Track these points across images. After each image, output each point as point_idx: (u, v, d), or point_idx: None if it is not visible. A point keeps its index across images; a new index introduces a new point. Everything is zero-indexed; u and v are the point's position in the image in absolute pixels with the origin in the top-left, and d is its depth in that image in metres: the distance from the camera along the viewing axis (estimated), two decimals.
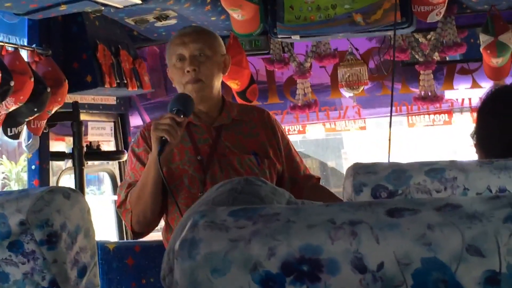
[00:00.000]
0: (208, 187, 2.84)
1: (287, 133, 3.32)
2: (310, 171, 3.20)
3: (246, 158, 2.96)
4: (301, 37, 4.33)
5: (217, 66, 3.00)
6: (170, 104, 2.81)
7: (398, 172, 1.74)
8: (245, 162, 2.95)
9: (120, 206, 2.95)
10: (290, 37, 4.35)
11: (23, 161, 11.37)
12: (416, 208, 0.93)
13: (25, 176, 11.04)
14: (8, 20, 3.74)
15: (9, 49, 3.53)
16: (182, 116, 2.75)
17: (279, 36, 4.32)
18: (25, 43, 3.83)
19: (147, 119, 5.43)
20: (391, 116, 3.92)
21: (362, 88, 5.10)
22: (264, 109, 3.24)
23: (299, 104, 5.07)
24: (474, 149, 2.20)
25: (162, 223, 3.08)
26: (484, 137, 2.16)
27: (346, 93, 5.29)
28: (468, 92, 5.26)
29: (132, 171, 2.99)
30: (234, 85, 4.68)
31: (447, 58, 5.10)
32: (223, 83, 4.63)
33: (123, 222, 3.77)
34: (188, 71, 2.92)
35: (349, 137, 11.14)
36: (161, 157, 2.71)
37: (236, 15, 4.10)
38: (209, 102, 3.01)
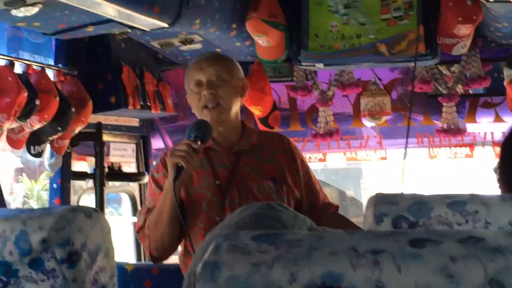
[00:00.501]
0: (226, 212, 2.85)
1: (307, 160, 3.29)
2: (329, 199, 3.19)
3: (265, 183, 2.96)
4: (325, 65, 4.34)
5: (234, 89, 3.01)
6: (187, 130, 2.82)
7: (420, 204, 1.74)
8: (263, 188, 2.94)
9: (139, 231, 2.98)
10: (314, 65, 4.36)
11: (43, 179, 11.43)
12: (439, 240, 0.93)
13: (45, 194, 11.10)
14: (34, 40, 3.78)
15: (36, 68, 3.57)
16: (199, 143, 2.75)
17: (303, 64, 4.33)
18: (51, 63, 3.87)
19: (169, 142, 5.45)
20: (406, 146, 3.90)
21: (384, 118, 5.10)
22: (284, 135, 3.24)
23: (321, 132, 5.06)
24: (497, 184, 2.18)
25: (179, 247, 3.08)
26: (507, 171, 2.15)
27: (368, 123, 5.28)
28: (491, 126, 5.24)
29: (151, 196, 3.01)
30: (257, 111, 4.70)
31: (471, 91, 5.09)
32: (245, 109, 4.67)
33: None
34: (205, 95, 2.94)
35: (369, 166, 11.11)
36: (179, 182, 2.72)
37: (261, 41, 4.12)
38: (228, 125, 3.01)
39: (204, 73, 2.96)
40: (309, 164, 3.25)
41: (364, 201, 10.51)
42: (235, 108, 3.03)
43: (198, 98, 2.97)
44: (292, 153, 3.09)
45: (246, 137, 3.05)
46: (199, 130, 2.79)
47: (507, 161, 2.16)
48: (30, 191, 11.90)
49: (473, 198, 1.72)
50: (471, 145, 5.41)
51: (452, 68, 4.84)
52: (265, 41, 4.11)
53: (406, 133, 3.94)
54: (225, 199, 2.91)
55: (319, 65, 4.33)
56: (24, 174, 12.06)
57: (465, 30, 3.96)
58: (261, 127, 4.71)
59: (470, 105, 5.19)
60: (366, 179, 12.13)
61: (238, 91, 3.04)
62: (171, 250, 2.99)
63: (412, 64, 4.20)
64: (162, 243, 2.89)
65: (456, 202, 1.72)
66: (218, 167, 2.97)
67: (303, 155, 3.19)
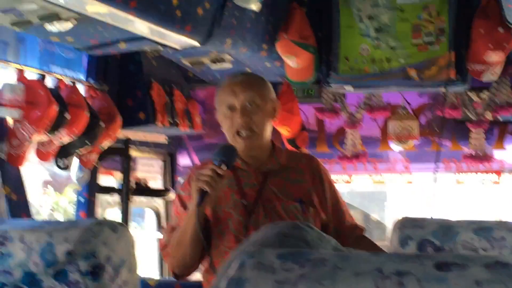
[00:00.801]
0: (251, 231, 2.84)
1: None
2: (355, 221, 3.17)
3: (291, 205, 2.93)
4: (354, 88, 4.33)
5: (268, 114, 2.99)
6: (213, 155, 2.81)
7: (446, 229, 1.73)
8: (289, 209, 2.93)
9: (163, 249, 3.00)
10: (344, 87, 4.35)
11: (68, 193, 11.51)
12: (465, 264, 0.93)
13: (70, 207, 11.18)
14: (65, 55, 3.82)
15: (67, 83, 3.60)
16: (224, 167, 2.75)
17: (332, 86, 4.32)
18: (81, 78, 3.91)
19: (196, 159, 5.46)
20: (435, 171, 3.88)
21: (411, 142, 5.08)
22: (313, 156, 3.21)
23: (348, 155, 5.06)
24: None
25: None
26: None
27: (395, 147, 5.27)
28: None
29: (176, 214, 3.01)
30: (285, 132, 4.70)
31: (500, 118, 5.06)
32: (273, 129, 4.68)
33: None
34: (239, 122, 2.91)
35: (393, 190, 11.05)
36: (203, 206, 2.73)
37: (291, 62, 4.13)
38: (260, 149, 3.00)
39: (238, 98, 2.93)
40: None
41: (388, 224, 10.47)
42: (268, 131, 3.02)
43: (230, 123, 2.94)
44: (320, 175, 3.06)
45: (275, 157, 3.03)
46: (225, 155, 2.78)
47: None
48: (56, 204, 11.99)
49: (500, 224, 1.71)
50: (499, 172, 5.37)
51: (482, 95, 4.82)
52: (294, 62, 4.12)
53: (434, 158, 3.91)
54: (250, 219, 2.89)
55: (349, 88, 4.33)
56: (49, 187, 12.14)
57: (496, 57, 3.95)
58: (289, 147, 4.71)
59: (499, 131, 5.16)
60: (390, 202, 12.06)
61: (271, 114, 3.02)
62: (193, 268, 2.98)
63: (441, 89, 4.19)
64: (184, 262, 2.90)
65: (482, 228, 1.71)
66: (245, 186, 2.95)
67: (331, 177, 3.17)
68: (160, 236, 3.07)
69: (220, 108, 3.00)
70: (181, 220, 2.93)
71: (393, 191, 11.38)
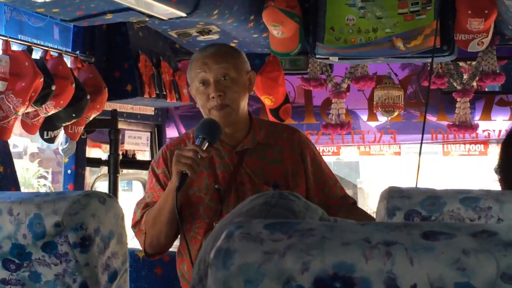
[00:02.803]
0: (223, 217, 2.76)
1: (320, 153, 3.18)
2: (345, 192, 3.04)
3: (264, 189, 2.77)
4: (339, 59, 4.32)
5: (243, 87, 2.87)
6: (195, 130, 2.72)
7: (433, 199, 1.74)
8: None
9: (134, 226, 2.87)
10: (328, 58, 4.34)
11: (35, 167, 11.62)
12: (452, 233, 0.94)
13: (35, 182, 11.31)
14: (34, 24, 3.77)
15: (53, 54, 3.58)
16: (207, 145, 2.64)
17: (318, 56, 4.31)
18: (56, 47, 3.83)
19: (183, 131, 5.46)
20: (421, 143, 3.87)
21: (397, 112, 5.08)
22: (296, 129, 3.08)
23: (332, 123, 5.04)
24: (499, 184, 2.13)
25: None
26: (509, 170, 2.11)
27: (382, 117, 5.28)
28: (506, 124, 5.23)
29: (151, 190, 2.90)
30: (268, 101, 4.69)
31: (486, 89, 5.07)
32: (260, 100, 4.68)
33: None
34: (213, 97, 2.80)
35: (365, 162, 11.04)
36: (183, 189, 2.64)
37: (276, 32, 4.12)
38: (236, 125, 2.88)
39: (211, 71, 2.81)
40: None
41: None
42: (244, 105, 2.90)
43: (205, 98, 2.83)
44: (302, 150, 2.94)
45: (252, 134, 2.90)
46: (208, 132, 2.68)
47: (508, 160, 2.12)
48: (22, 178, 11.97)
49: (487, 194, 1.72)
50: (486, 142, 5.39)
51: (469, 62, 4.81)
52: (280, 31, 4.10)
53: (421, 129, 3.91)
54: (223, 205, 2.80)
55: (334, 58, 4.31)
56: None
57: (478, 25, 3.93)
58: (271, 118, 4.69)
59: (485, 102, 5.18)
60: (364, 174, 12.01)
61: (246, 86, 2.90)
62: (166, 248, 2.89)
63: (428, 60, 4.19)
64: (158, 241, 2.82)
65: (469, 198, 1.72)
66: (219, 168, 2.84)
67: (316, 150, 3.04)
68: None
69: (192, 83, 2.89)
70: (155, 197, 2.85)
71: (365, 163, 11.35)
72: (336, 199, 2.98)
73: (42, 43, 3.71)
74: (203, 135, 2.66)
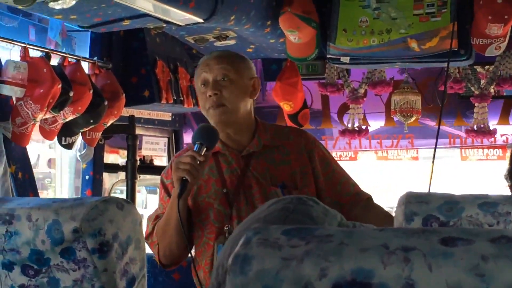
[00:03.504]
0: (233, 221, 2.76)
1: (338, 158, 3.18)
2: (359, 189, 3.00)
3: (272, 190, 2.80)
4: (351, 59, 4.28)
5: (242, 89, 2.86)
6: (192, 136, 2.72)
7: (451, 204, 1.73)
8: (270, 195, 2.75)
9: (147, 238, 2.87)
10: (339, 59, 4.30)
11: None
12: (470, 238, 0.93)
13: None
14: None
15: (71, 60, 3.60)
16: (205, 150, 2.65)
17: (328, 56, 4.28)
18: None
19: None
20: (435, 148, 3.85)
21: (415, 117, 5.07)
22: (303, 131, 3.09)
23: (349, 129, 5.04)
24: (510, 191, 2.11)
25: None
26: None
27: (399, 122, 5.26)
28: None
29: (161, 202, 2.93)
30: (287, 107, 4.69)
31: (504, 93, 5.05)
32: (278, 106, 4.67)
33: None
34: (210, 96, 2.81)
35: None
36: (184, 195, 2.65)
37: (293, 37, 4.11)
38: (236, 126, 2.87)
39: (211, 72, 2.83)
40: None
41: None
42: (243, 108, 2.88)
43: (204, 98, 2.84)
44: (310, 150, 2.92)
45: (257, 137, 2.89)
46: (204, 137, 2.69)
47: None
48: None
49: (505, 199, 1.71)
50: (504, 147, 5.36)
51: (487, 67, 4.79)
52: (296, 37, 4.09)
53: (440, 134, 3.89)
54: (232, 208, 2.80)
55: (345, 59, 4.27)
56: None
57: (497, 30, 3.91)
58: (290, 123, 4.69)
59: (503, 106, 5.15)
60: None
61: (247, 91, 2.88)
62: (181, 258, 2.90)
63: (444, 64, 4.17)
64: (170, 251, 2.83)
65: (487, 203, 1.71)
66: (226, 173, 2.85)
67: (325, 150, 3.03)
68: None
69: (196, 85, 2.93)
70: (165, 208, 2.86)
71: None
72: (350, 197, 2.94)
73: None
74: (200, 140, 2.67)
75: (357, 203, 2.93)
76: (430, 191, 1.99)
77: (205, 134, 2.72)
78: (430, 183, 3.73)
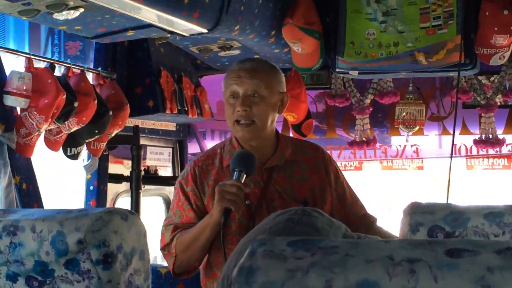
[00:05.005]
0: None
1: (343, 169, 3.20)
2: (366, 211, 3.05)
3: (294, 206, 2.80)
4: (359, 73, 4.30)
5: (272, 107, 2.87)
6: (231, 163, 2.73)
7: (456, 214, 1.73)
8: None
9: (164, 248, 2.89)
10: (348, 72, 4.32)
11: None
12: (476, 250, 0.93)
13: None
14: None
15: (76, 71, 3.60)
16: (244, 177, 2.66)
17: (337, 70, 4.30)
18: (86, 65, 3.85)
19: (205, 147, 5.47)
20: (451, 157, 3.86)
21: (417, 127, 5.06)
22: (319, 146, 3.11)
23: (357, 140, 5.04)
24: None
25: None
26: None
27: (403, 132, 5.26)
28: None
29: (179, 209, 2.90)
30: (291, 118, 4.70)
31: (510, 102, 5.04)
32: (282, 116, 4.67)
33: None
34: (238, 111, 2.82)
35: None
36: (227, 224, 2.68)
37: (296, 48, 4.12)
38: (260, 140, 2.89)
39: (242, 85, 2.83)
40: (344, 172, 3.18)
41: None
42: (271, 124, 2.91)
43: (232, 111, 2.85)
44: (327, 166, 2.97)
45: (280, 151, 2.92)
46: (243, 164, 2.70)
47: None
48: None
49: (511, 209, 1.71)
50: (509, 156, 5.35)
51: (492, 78, 4.80)
52: (299, 48, 4.10)
53: (444, 143, 3.89)
54: (254, 221, 2.78)
55: (354, 73, 4.30)
56: None
57: (502, 40, 3.93)
58: (294, 134, 4.70)
59: (508, 115, 5.14)
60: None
61: (276, 107, 2.90)
62: (195, 268, 2.92)
63: (451, 74, 4.17)
64: (188, 264, 2.86)
65: (493, 213, 1.70)
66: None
67: (338, 167, 3.08)
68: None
69: (225, 93, 2.91)
70: (183, 217, 2.87)
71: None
72: (357, 218, 2.98)
73: None
74: (240, 167, 2.69)
75: (363, 224, 2.95)
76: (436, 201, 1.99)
77: (243, 160, 2.73)
78: (447, 194, 3.75)
